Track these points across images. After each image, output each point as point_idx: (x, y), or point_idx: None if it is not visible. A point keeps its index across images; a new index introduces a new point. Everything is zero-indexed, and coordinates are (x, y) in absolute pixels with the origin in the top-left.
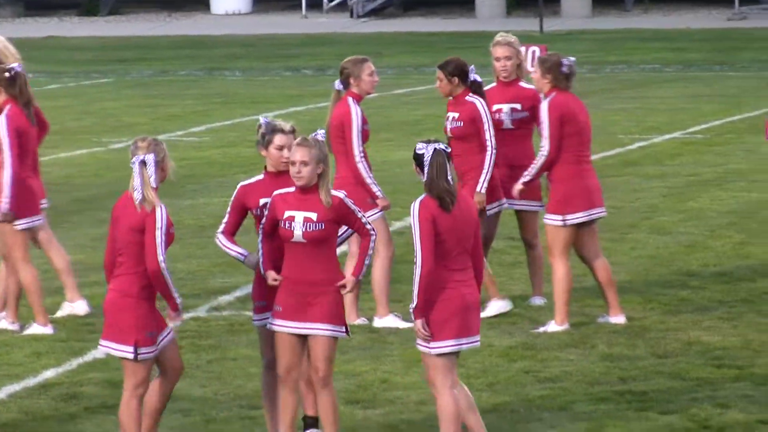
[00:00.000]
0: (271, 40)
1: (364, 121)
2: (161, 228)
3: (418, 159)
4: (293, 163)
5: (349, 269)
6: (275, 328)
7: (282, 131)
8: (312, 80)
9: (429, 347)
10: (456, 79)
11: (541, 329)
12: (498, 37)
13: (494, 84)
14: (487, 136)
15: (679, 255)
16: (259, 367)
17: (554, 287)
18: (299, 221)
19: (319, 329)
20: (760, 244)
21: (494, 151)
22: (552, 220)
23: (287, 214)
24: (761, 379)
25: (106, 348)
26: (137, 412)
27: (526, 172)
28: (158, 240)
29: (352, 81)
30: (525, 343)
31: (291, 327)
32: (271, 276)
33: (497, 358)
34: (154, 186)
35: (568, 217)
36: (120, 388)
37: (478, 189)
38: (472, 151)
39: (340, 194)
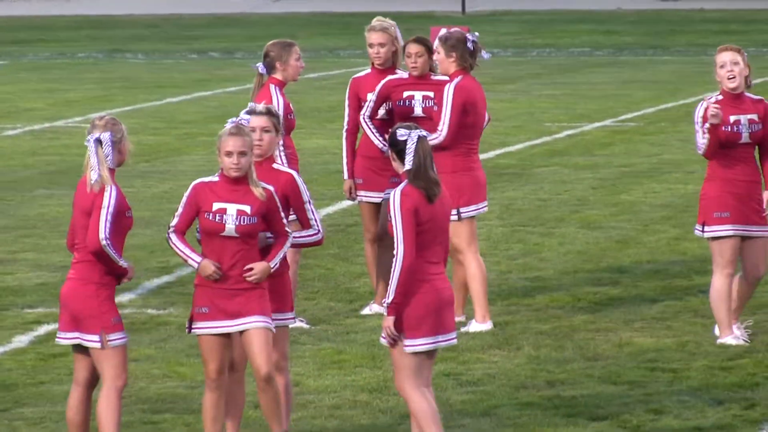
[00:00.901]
0: (176, 21)
1: (288, 111)
2: (107, 207)
3: (398, 145)
4: (229, 154)
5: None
6: (201, 330)
7: (254, 112)
8: (220, 63)
9: (403, 345)
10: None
11: (462, 329)
12: (374, 22)
13: (368, 71)
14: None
15: (611, 251)
16: (162, 369)
17: (469, 285)
18: (232, 214)
19: (252, 322)
20: (697, 239)
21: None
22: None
23: (217, 206)
24: (697, 383)
25: (69, 340)
26: (118, 407)
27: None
28: (102, 218)
29: (278, 66)
30: None
31: (220, 327)
32: (211, 268)
33: None
34: (111, 167)
35: (462, 210)
36: None
37: None
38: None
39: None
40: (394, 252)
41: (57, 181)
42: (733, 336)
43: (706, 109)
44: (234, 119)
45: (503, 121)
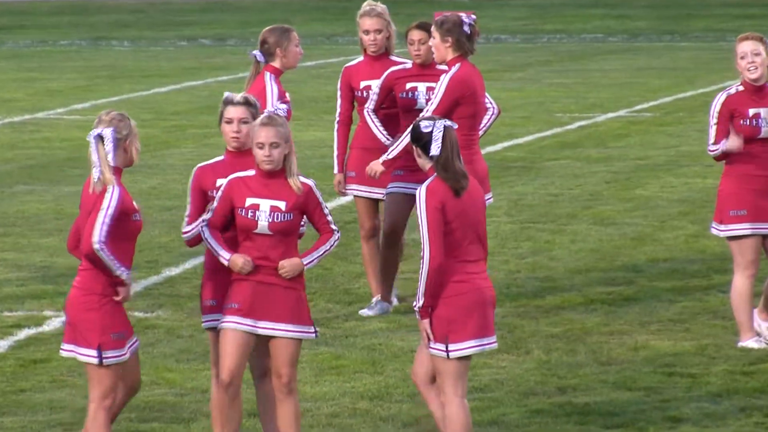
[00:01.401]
0: (164, 6)
1: (283, 101)
2: (106, 209)
3: (422, 139)
4: (261, 146)
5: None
6: (228, 325)
7: (231, 102)
8: (211, 51)
9: (446, 351)
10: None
11: None
12: (365, 7)
13: (361, 58)
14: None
15: (625, 249)
16: (150, 375)
17: None
18: (265, 210)
19: (283, 330)
20: (716, 236)
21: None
22: None
23: (250, 201)
24: (717, 389)
25: (68, 353)
26: (106, 427)
27: (395, 146)
28: (99, 220)
29: (278, 53)
30: None
31: (248, 325)
32: (241, 260)
33: None
34: (113, 165)
35: None
36: None
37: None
38: None
39: (310, 181)
40: (422, 254)
41: (37, 176)
42: (755, 339)
43: (722, 104)
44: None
45: (511, 111)
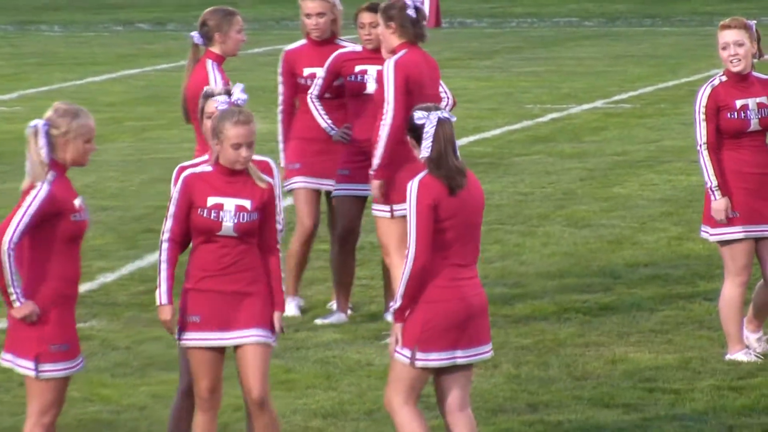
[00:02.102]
0: None
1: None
2: (26, 208)
3: (417, 131)
4: (237, 146)
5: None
6: (192, 343)
7: (212, 95)
8: (149, 37)
9: (412, 358)
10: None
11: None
12: None
13: (303, 42)
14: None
15: (602, 252)
16: (83, 391)
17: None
18: (230, 210)
19: (249, 336)
20: (701, 239)
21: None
22: (380, 210)
23: (213, 200)
24: (703, 406)
25: (6, 362)
26: None
27: (376, 153)
28: (15, 219)
29: (217, 38)
30: None
31: (214, 339)
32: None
33: (377, 380)
34: (47, 160)
35: (396, 207)
36: None
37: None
38: None
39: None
40: (406, 252)
41: None
42: (744, 351)
43: (709, 98)
44: (227, 99)
45: (477, 102)
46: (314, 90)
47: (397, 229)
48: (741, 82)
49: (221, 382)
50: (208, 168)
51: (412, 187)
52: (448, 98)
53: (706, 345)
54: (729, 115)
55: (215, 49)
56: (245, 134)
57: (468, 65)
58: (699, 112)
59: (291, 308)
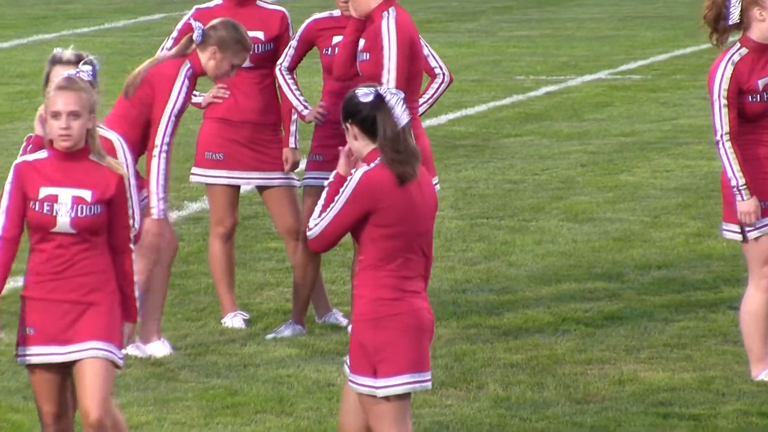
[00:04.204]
0: None
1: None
2: None
3: (361, 112)
4: (57, 115)
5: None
6: (26, 359)
7: (60, 61)
8: None
9: (374, 387)
10: None
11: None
12: None
13: (218, 2)
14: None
15: (607, 251)
16: None
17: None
18: (65, 202)
19: (87, 350)
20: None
21: None
22: None
23: (45, 191)
24: None
25: None
26: None
27: None
28: None
29: (211, 52)
30: None
31: (47, 354)
32: None
33: (338, 404)
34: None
35: None
36: None
37: None
38: None
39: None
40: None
41: None
42: None
43: (731, 79)
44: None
45: (458, 73)
46: (284, 61)
47: None
48: (763, 53)
49: (69, 406)
50: (43, 154)
51: (356, 175)
52: (443, 73)
53: (730, 362)
54: (751, 98)
55: (202, 58)
56: (66, 101)
57: (446, 28)
58: (720, 96)
59: (236, 321)
